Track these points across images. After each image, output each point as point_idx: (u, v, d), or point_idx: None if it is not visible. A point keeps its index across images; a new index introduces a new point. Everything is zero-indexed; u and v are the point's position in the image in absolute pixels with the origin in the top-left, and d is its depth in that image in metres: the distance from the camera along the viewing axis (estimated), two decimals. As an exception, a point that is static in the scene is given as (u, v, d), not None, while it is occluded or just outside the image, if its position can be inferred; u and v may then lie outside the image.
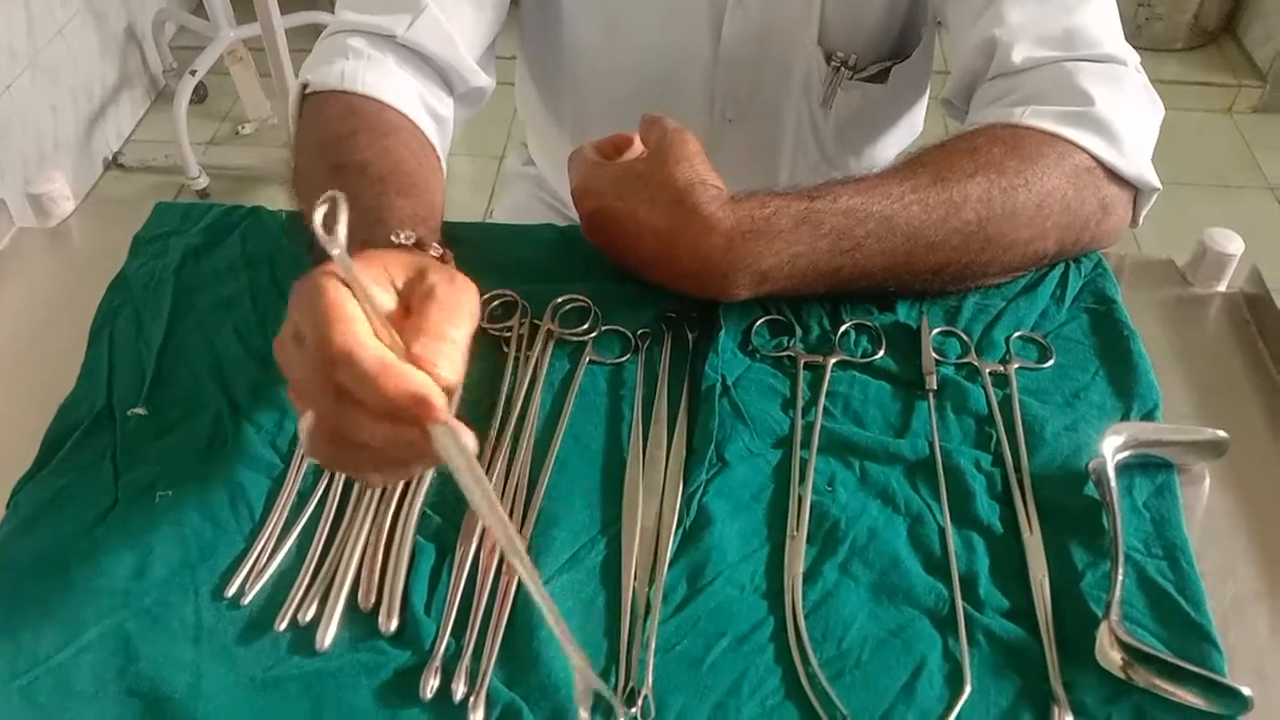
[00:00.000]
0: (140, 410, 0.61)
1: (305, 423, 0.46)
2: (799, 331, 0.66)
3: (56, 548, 0.54)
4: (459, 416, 0.44)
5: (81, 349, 0.65)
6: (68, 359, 0.64)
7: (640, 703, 0.48)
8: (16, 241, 0.76)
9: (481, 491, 0.44)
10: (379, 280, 0.48)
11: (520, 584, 0.52)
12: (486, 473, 0.57)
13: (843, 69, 0.89)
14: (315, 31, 0.80)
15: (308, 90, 0.74)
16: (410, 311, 0.47)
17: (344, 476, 0.57)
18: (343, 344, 0.42)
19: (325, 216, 0.42)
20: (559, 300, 0.68)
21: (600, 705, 0.48)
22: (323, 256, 0.44)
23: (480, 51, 0.83)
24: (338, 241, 0.42)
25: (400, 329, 0.45)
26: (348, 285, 0.44)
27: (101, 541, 0.54)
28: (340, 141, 0.68)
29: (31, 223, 0.78)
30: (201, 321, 0.67)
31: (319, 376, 0.43)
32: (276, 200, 0.76)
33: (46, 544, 0.54)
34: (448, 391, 0.44)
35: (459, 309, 0.47)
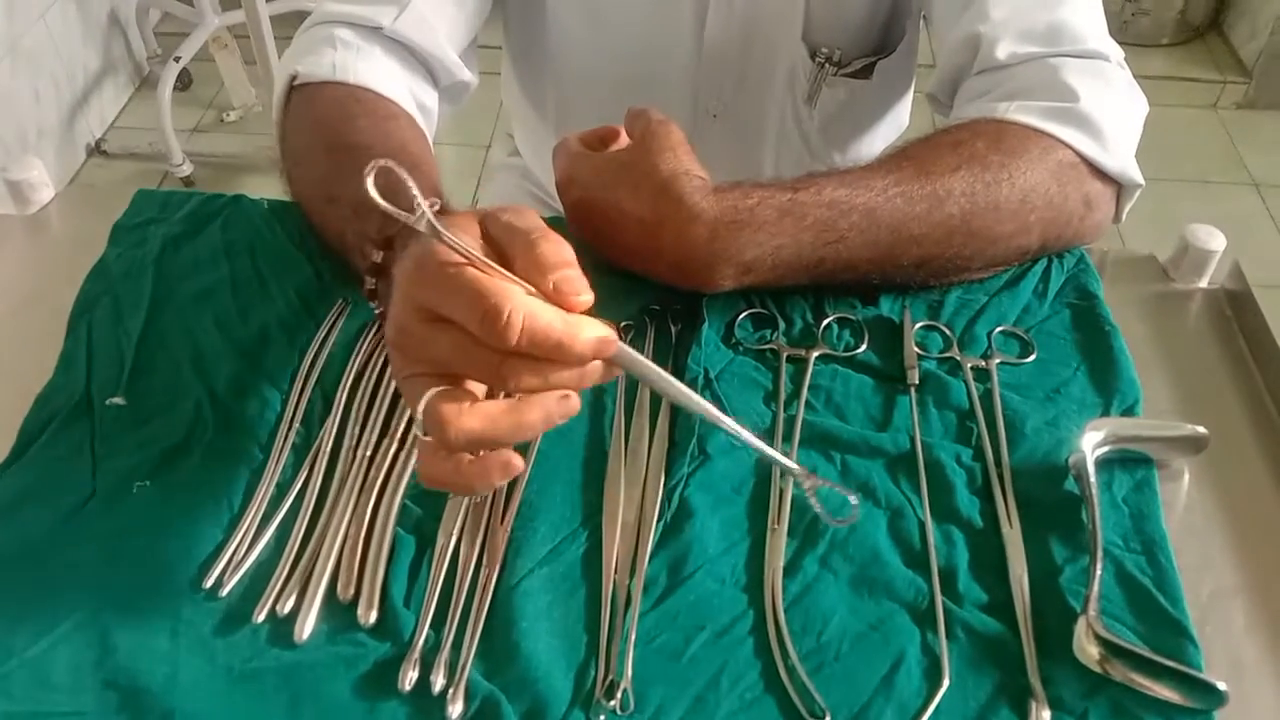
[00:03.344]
0: (119, 400, 0.61)
1: (435, 401, 0.44)
2: (782, 325, 0.66)
3: (33, 538, 0.54)
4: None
5: (59, 338, 0.65)
6: (45, 348, 0.64)
7: (619, 695, 0.48)
8: (-6, 229, 0.76)
9: (669, 383, 0.47)
10: (472, 235, 0.46)
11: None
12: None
13: (827, 64, 0.89)
14: (300, 19, 0.80)
15: (296, 81, 0.74)
16: (503, 253, 0.46)
17: (322, 468, 0.57)
18: (524, 318, 0.42)
19: (381, 184, 0.42)
20: (542, 292, 0.67)
21: (582, 698, 0.48)
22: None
23: (462, 47, 0.83)
24: (426, 214, 0.42)
25: (513, 270, 0.45)
26: (455, 250, 0.43)
27: (78, 532, 0.54)
28: (341, 125, 0.68)
29: (10, 210, 0.77)
30: (181, 311, 0.66)
31: (482, 351, 0.43)
32: (261, 188, 0.75)
33: (23, 534, 0.54)
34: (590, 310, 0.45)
35: (547, 231, 0.46)
